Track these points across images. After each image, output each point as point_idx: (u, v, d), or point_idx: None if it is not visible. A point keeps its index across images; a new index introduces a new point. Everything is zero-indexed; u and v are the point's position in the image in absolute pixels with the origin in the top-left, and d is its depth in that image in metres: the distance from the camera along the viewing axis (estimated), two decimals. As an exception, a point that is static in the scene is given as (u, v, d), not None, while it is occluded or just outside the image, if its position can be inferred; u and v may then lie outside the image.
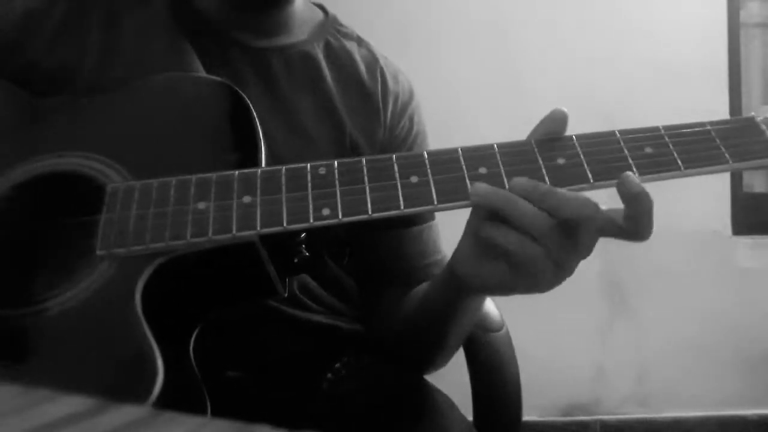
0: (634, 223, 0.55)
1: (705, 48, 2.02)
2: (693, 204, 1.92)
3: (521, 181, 0.56)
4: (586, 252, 0.56)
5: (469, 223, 0.61)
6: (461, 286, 0.65)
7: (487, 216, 0.58)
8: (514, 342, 0.91)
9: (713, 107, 1.97)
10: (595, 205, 0.54)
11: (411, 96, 0.88)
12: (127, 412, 0.28)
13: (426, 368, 0.86)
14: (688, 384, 2.01)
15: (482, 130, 1.86)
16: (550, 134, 0.59)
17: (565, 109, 0.59)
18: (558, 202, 0.54)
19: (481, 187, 0.56)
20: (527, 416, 1.00)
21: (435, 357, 0.83)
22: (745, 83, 2.10)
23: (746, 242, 2.05)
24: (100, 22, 0.76)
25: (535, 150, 0.59)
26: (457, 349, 0.83)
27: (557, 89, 1.95)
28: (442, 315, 0.73)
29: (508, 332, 0.91)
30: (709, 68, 2.02)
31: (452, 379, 0.85)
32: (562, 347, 1.97)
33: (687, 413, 2.02)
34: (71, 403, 0.29)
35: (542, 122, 0.60)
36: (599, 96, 1.95)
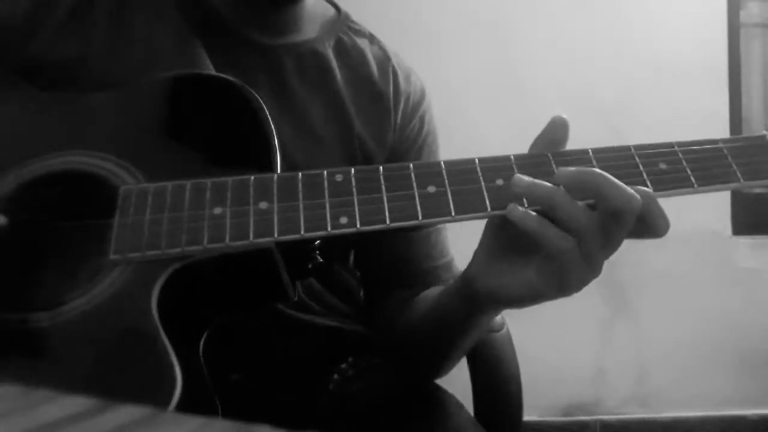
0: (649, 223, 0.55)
1: (705, 48, 2.02)
2: (693, 204, 1.91)
3: (569, 169, 0.55)
4: (614, 249, 0.56)
5: (487, 236, 0.60)
6: (480, 300, 0.63)
7: (503, 223, 0.57)
8: (515, 342, 0.91)
9: (713, 107, 1.97)
10: (640, 201, 0.54)
11: (422, 96, 0.87)
12: (127, 412, 0.28)
13: (425, 375, 0.84)
14: (688, 384, 2.01)
15: (482, 130, 1.87)
16: (554, 142, 0.59)
17: (565, 115, 0.59)
18: (610, 190, 0.53)
19: (524, 179, 0.55)
20: (527, 416, 1.00)
21: (438, 367, 0.81)
22: (745, 83, 2.10)
23: (746, 242, 2.04)
24: (107, 18, 0.75)
25: (552, 162, 0.58)
26: (460, 358, 0.81)
27: (557, 89, 1.95)
28: (453, 328, 0.72)
29: (508, 332, 0.91)
30: (709, 68, 2.02)
31: (452, 378, 0.85)
32: (562, 347, 1.97)
33: (687, 413, 2.02)
34: (72, 403, 0.29)
35: (544, 132, 0.59)
36: (599, 96, 1.95)
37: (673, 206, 0.59)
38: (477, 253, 0.62)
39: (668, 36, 2.01)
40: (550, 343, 1.90)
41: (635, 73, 1.99)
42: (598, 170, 0.55)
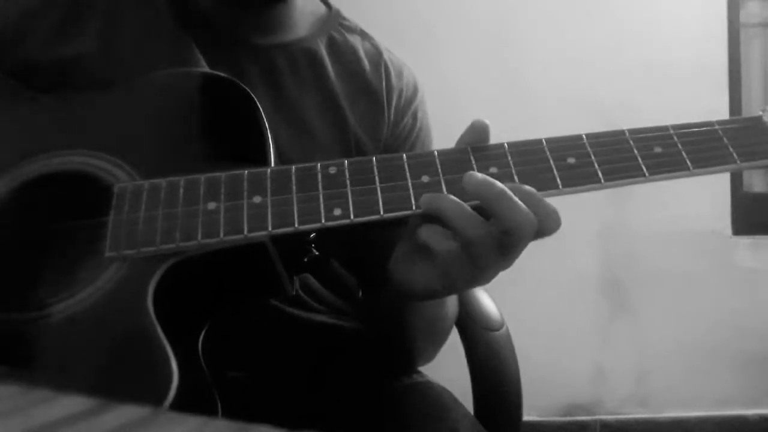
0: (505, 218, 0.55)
1: (705, 48, 2.02)
2: (693, 204, 1.92)
3: (476, 177, 0.55)
4: (514, 259, 0.57)
5: (407, 229, 0.62)
6: (397, 290, 0.65)
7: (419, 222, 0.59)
8: (514, 342, 0.91)
9: (713, 107, 1.97)
10: (535, 225, 0.54)
11: (415, 91, 0.87)
12: (127, 412, 0.28)
13: (412, 360, 0.85)
14: (688, 384, 2.01)
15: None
16: (473, 143, 0.60)
17: (487, 121, 0.60)
18: (506, 211, 0.54)
19: (426, 197, 0.56)
20: (527, 416, 1.00)
21: (412, 350, 0.83)
22: (745, 83, 2.10)
23: (746, 242, 2.04)
24: (100, 20, 0.75)
25: (546, 149, 0.59)
26: (436, 340, 0.83)
27: (557, 89, 1.95)
28: (397, 312, 0.74)
29: (508, 331, 0.91)
30: (709, 68, 2.02)
31: (452, 378, 0.85)
32: (562, 347, 1.97)
33: (687, 413, 2.02)
34: (71, 403, 0.29)
35: (463, 135, 0.60)
36: (599, 96, 1.95)
37: (674, 206, 0.59)
38: (402, 241, 0.64)
39: (668, 36, 2.01)
40: (550, 343, 1.90)
41: (635, 74, 1.99)
42: (498, 188, 0.54)
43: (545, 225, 0.55)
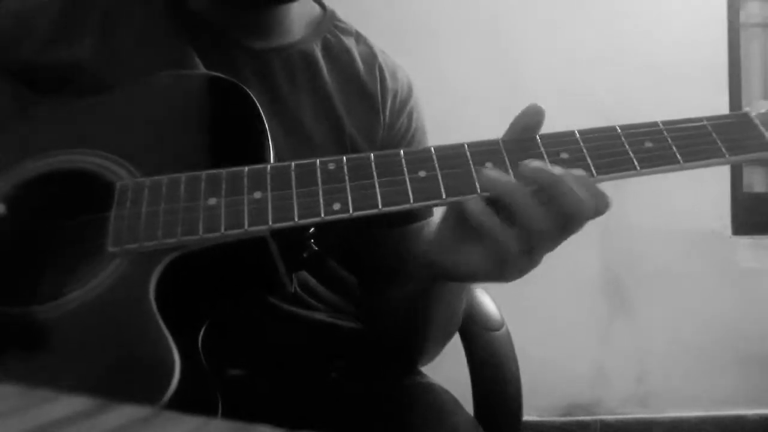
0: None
1: (705, 48, 2.02)
2: (693, 204, 1.92)
3: (535, 164, 0.56)
4: (558, 244, 0.58)
5: (447, 214, 0.63)
6: (435, 273, 0.66)
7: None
8: (514, 342, 0.91)
9: (713, 107, 1.94)
10: (593, 207, 0.55)
11: (410, 92, 0.88)
12: (127, 412, 0.28)
13: (418, 358, 0.86)
14: (688, 384, 2.02)
15: (482, 130, 1.86)
16: (528, 126, 0.60)
17: (542, 105, 0.61)
18: (568, 195, 0.55)
19: (488, 174, 0.57)
20: (527, 416, 1.00)
21: (422, 347, 0.83)
22: (745, 83, 2.10)
23: (746, 242, 2.05)
24: (97, 23, 0.75)
25: (540, 144, 0.60)
26: (446, 337, 0.83)
27: (557, 89, 1.95)
28: (419, 304, 0.74)
29: (508, 331, 0.91)
30: (709, 68, 2.02)
31: (452, 378, 0.85)
32: (562, 347, 1.97)
33: (687, 413, 2.02)
34: (71, 403, 0.29)
35: (518, 117, 0.61)
36: (599, 96, 1.95)
37: (674, 206, 0.59)
38: (438, 228, 0.64)
39: (668, 36, 2.01)
40: (550, 343, 1.90)
41: (635, 73, 1.99)
42: (558, 172, 0.56)
43: (599, 207, 0.56)
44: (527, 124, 0.60)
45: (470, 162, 0.59)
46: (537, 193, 0.56)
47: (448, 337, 0.84)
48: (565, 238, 0.57)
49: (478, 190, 0.57)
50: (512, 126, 0.61)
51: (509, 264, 0.58)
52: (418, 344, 0.83)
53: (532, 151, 0.59)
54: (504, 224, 0.56)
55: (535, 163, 0.56)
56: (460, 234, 0.60)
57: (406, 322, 0.79)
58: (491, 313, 0.91)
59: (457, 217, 0.61)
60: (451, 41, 2.01)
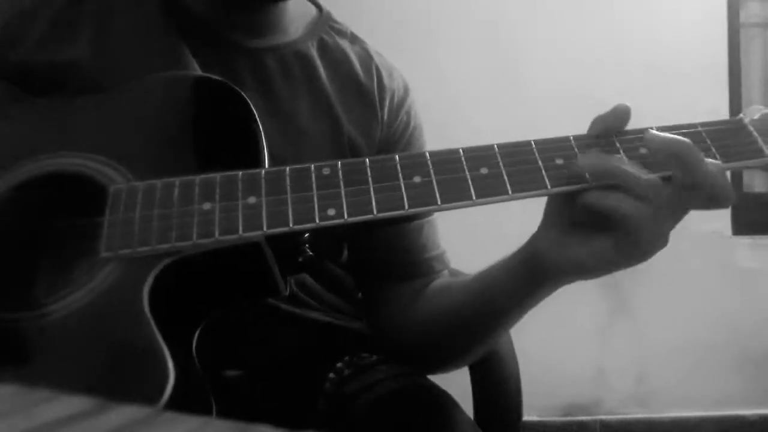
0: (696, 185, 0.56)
1: (705, 48, 2.02)
2: (693, 204, 1.92)
3: (660, 135, 0.58)
4: (680, 219, 0.58)
5: (551, 207, 0.63)
6: (547, 272, 0.65)
7: (565, 199, 0.60)
8: (514, 342, 0.91)
9: (713, 107, 1.97)
10: (717, 176, 0.56)
11: (406, 92, 0.88)
12: (127, 412, 0.28)
13: (439, 369, 0.85)
14: (688, 384, 2.01)
15: (481, 130, 1.86)
16: (611, 126, 0.61)
17: (629, 104, 0.61)
18: (695, 163, 0.56)
19: (590, 156, 0.58)
20: (527, 416, 1.00)
21: (458, 357, 0.82)
22: (745, 83, 2.10)
23: (746, 242, 2.05)
24: (92, 23, 0.75)
25: (535, 150, 0.59)
26: (483, 352, 0.82)
27: (556, 89, 1.95)
28: (501, 310, 0.73)
29: (508, 332, 0.91)
30: (709, 68, 2.02)
31: (452, 378, 0.85)
32: (562, 347, 1.97)
33: (687, 413, 2.02)
34: (71, 403, 0.29)
35: (606, 115, 0.61)
36: (599, 96, 1.94)
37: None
38: (543, 228, 0.64)
39: (668, 36, 2.01)
40: (550, 343, 1.90)
41: (635, 73, 1.99)
42: (688, 141, 0.56)
43: (721, 194, 0.57)
44: (613, 124, 0.61)
45: (465, 168, 0.58)
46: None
47: (482, 352, 0.82)
48: (691, 208, 0.58)
49: (473, 197, 0.57)
50: (594, 124, 0.61)
51: (645, 243, 0.58)
52: (460, 353, 0.82)
53: (527, 156, 0.59)
54: (630, 198, 0.56)
55: (665, 134, 0.57)
56: (574, 226, 0.60)
57: (464, 328, 0.77)
58: (491, 313, 0.91)
59: (561, 211, 0.61)
60: (451, 42, 2.01)
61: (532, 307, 0.73)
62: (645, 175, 0.56)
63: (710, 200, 0.57)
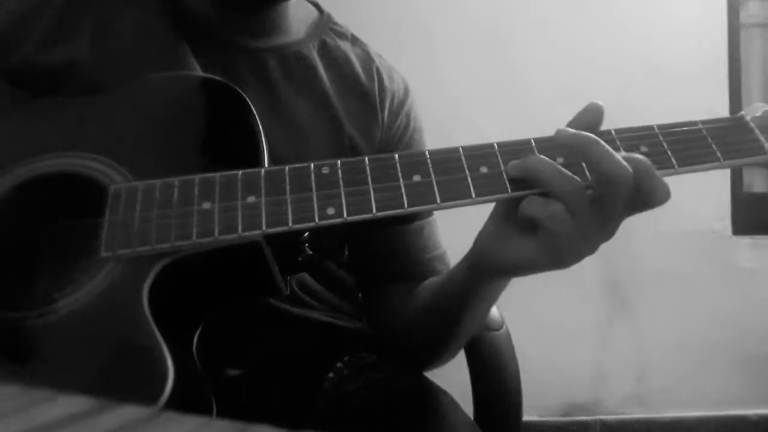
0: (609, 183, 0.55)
1: (705, 48, 2.02)
2: (693, 204, 1.92)
3: (568, 129, 0.57)
4: (613, 226, 0.57)
5: (496, 208, 0.63)
6: (485, 268, 0.66)
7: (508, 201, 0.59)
8: (514, 342, 0.91)
9: (713, 107, 1.97)
10: (631, 177, 0.54)
11: (407, 93, 0.88)
12: (127, 412, 0.28)
13: (431, 363, 0.85)
14: (688, 384, 2.01)
15: (481, 130, 1.86)
16: (588, 125, 0.60)
17: (601, 103, 0.61)
18: (598, 156, 0.55)
19: (513, 164, 0.58)
20: (527, 416, 1.00)
21: (444, 349, 0.83)
22: (745, 83, 2.10)
23: (746, 242, 2.05)
24: (93, 24, 0.75)
25: (534, 149, 0.59)
26: (464, 343, 0.83)
27: (556, 89, 1.95)
28: (459, 301, 0.73)
29: (508, 331, 0.91)
30: (709, 68, 2.02)
31: (452, 378, 0.85)
32: (562, 347, 1.97)
33: (687, 413, 2.02)
34: (71, 403, 0.29)
35: (579, 114, 0.61)
36: (599, 96, 1.93)
37: (674, 206, 0.59)
38: (487, 223, 0.64)
39: (668, 36, 2.01)
40: (550, 343, 1.90)
41: (635, 73, 1.99)
42: (592, 136, 0.56)
43: (652, 197, 0.56)
44: (587, 122, 0.60)
45: (465, 167, 0.59)
46: (568, 167, 0.56)
47: (464, 342, 0.83)
48: (617, 210, 0.56)
49: (473, 195, 0.57)
50: (571, 124, 0.61)
51: (566, 248, 0.57)
52: (440, 346, 0.82)
53: (526, 155, 0.59)
54: (544, 202, 0.56)
55: (570, 130, 0.57)
56: (512, 225, 0.61)
57: (436, 322, 0.78)
58: (491, 314, 0.91)
59: (505, 209, 0.61)
60: (451, 42, 2.01)
61: (492, 299, 0.75)
62: (561, 175, 0.56)
63: (636, 200, 0.56)
